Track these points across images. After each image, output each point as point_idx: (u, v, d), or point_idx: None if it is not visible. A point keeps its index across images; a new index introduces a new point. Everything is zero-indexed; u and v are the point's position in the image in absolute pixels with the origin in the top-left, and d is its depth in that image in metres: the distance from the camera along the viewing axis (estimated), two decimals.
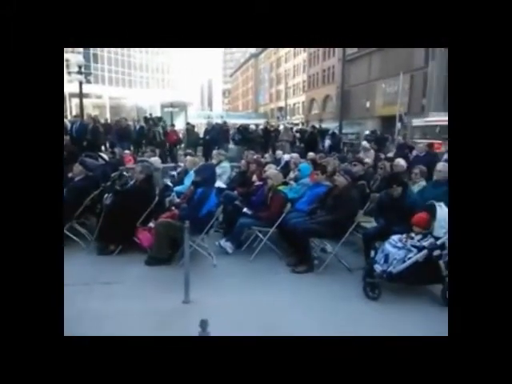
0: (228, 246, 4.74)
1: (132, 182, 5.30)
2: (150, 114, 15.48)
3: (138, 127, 12.98)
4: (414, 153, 8.18)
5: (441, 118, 15.64)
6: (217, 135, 13.03)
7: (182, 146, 13.48)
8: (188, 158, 6.79)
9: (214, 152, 7.95)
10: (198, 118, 28.01)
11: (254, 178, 5.96)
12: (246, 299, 3.56)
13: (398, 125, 21.02)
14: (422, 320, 3.22)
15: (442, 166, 5.46)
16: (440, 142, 11.20)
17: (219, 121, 16.29)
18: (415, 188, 5.17)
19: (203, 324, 1.76)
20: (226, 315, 3.17)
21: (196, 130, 15.15)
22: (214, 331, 1.79)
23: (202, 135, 13.85)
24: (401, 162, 6.30)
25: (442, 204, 3.74)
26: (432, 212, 3.67)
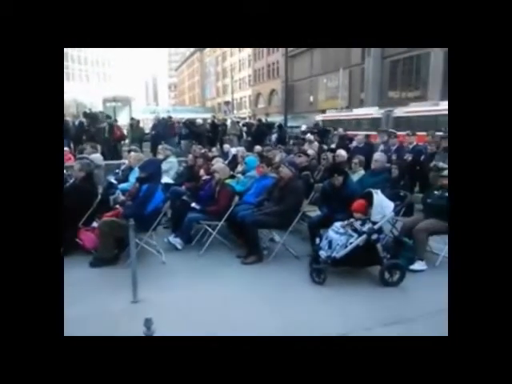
0: (177, 241, 4.67)
1: (71, 181, 5.01)
2: (90, 109, 14.68)
3: (77, 123, 12.25)
4: (354, 144, 8.56)
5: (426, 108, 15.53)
6: (163, 130, 12.69)
7: (127, 141, 12.96)
8: (132, 154, 6.54)
9: (160, 147, 7.74)
10: (144, 113, 27.08)
11: (202, 172, 5.90)
12: (197, 294, 3.54)
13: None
14: (364, 299, 3.42)
15: (378, 156, 5.78)
16: (375, 133, 11.76)
17: (165, 115, 15.86)
18: (355, 177, 5.42)
19: (147, 323, 1.71)
20: (176, 312, 3.13)
21: (141, 125, 14.63)
22: (165, 329, 1.74)
23: (147, 131, 13.37)
24: (342, 152, 6.57)
25: (378, 191, 3.96)
26: (369, 199, 3.87)
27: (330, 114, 22.49)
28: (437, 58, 21.01)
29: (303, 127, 17.04)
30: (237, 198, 4.90)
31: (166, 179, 5.89)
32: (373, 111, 19.24)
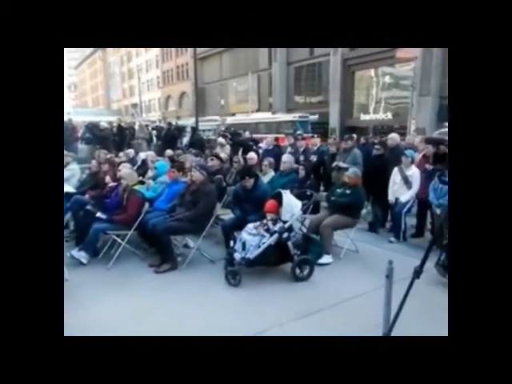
0: (82, 255, 4.31)
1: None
2: None
3: None
4: (264, 146, 8.83)
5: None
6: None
7: None
8: None
9: None
10: None
11: (108, 179, 5.54)
12: (107, 310, 3.31)
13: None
14: (278, 296, 3.55)
15: (286, 158, 6.06)
16: (283, 136, 12.43)
17: (65, 118, 14.57)
18: (265, 178, 5.61)
19: None
20: (85, 331, 2.88)
21: None
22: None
23: None
24: (253, 155, 6.74)
25: (287, 191, 4.15)
26: (280, 199, 4.03)
27: (235, 118, 23.32)
28: (335, 65, 22.82)
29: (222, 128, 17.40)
30: (147, 205, 4.74)
31: (66, 188, 5.40)
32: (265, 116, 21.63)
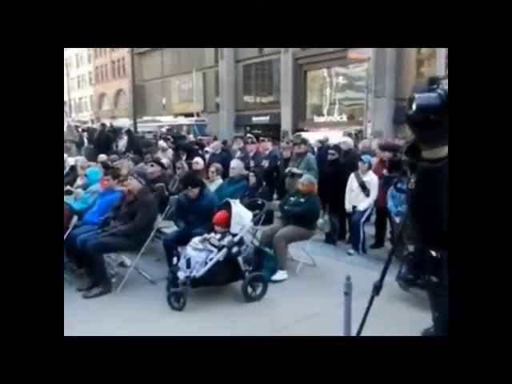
0: None
1: None
2: None
3: None
4: (210, 150, 8.73)
5: None
6: None
7: None
8: None
9: None
10: None
11: None
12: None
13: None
14: (227, 319, 3.45)
15: (235, 163, 6.01)
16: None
17: None
18: (212, 186, 5.50)
19: None
20: None
21: None
22: None
23: None
24: (198, 160, 6.61)
25: (236, 201, 4.08)
26: (228, 209, 3.95)
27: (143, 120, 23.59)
28: (286, 64, 23.35)
29: (162, 130, 17.25)
30: (75, 219, 4.49)
31: None
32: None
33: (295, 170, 5.92)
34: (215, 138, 9.12)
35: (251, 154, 7.22)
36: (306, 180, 4.90)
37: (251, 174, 5.92)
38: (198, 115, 25.19)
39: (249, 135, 11.47)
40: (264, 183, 6.03)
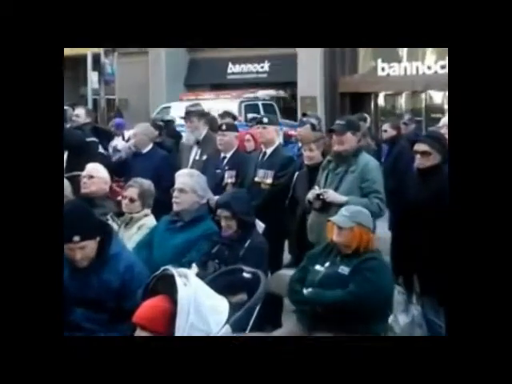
0: None
1: None
2: None
3: None
4: (121, 147, 5.44)
5: None
6: None
7: None
8: None
9: None
10: None
11: None
12: None
13: None
14: None
15: (182, 173, 4.61)
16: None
17: None
18: (134, 233, 3.38)
19: None
20: None
21: None
22: None
23: None
24: (97, 169, 4.88)
25: (188, 271, 3.22)
26: (170, 292, 3.08)
27: None
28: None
29: None
30: None
31: None
32: None
33: (330, 196, 2.85)
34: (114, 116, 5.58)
35: (229, 155, 3.70)
36: (352, 218, 2.36)
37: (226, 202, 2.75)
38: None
39: (221, 110, 5.87)
40: (261, 225, 2.95)
